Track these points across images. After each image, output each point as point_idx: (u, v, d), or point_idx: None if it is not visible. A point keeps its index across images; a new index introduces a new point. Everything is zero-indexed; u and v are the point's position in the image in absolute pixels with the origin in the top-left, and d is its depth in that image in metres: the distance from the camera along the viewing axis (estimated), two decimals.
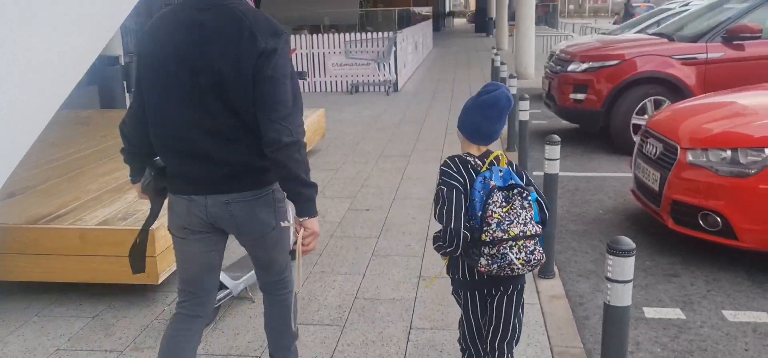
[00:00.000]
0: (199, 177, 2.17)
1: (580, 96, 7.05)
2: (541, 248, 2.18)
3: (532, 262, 2.15)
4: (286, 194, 2.20)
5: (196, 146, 2.13)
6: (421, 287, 3.82)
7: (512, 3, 24.36)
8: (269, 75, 2.04)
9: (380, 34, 12.50)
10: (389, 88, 12.23)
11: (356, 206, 5.36)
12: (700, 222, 3.94)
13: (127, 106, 2.52)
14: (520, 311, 2.39)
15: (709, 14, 7.45)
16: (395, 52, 12.48)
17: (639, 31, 10.24)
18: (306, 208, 2.14)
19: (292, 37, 12.66)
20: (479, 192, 2.15)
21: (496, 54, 11.39)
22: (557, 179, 3.83)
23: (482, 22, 35.33)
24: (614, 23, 25.97)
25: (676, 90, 6.70)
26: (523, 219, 2.12)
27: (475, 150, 2.26)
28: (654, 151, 4.39)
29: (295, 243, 2.18)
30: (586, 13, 58.31)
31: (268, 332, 2.61)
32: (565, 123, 8.50)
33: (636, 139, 4.90)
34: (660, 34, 7.49)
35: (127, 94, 8.44)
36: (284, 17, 13.96)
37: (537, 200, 2.21)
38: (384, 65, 12.36)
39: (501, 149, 2.69)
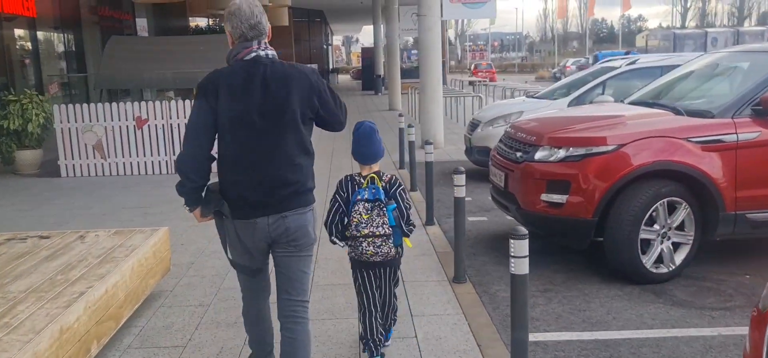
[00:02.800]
0: (268, 202, 2.71)
1: (558, 198, 4.76)
2: (391, 244, 3.20)
3: (380, 254, 3.20)
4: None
5: (274, 175, 2.70)
6: None
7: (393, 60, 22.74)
8: (326, 95, 2.83)
9: None
10: None
11: None
12: None
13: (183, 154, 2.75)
14: (395, 288, 3.48)
15: (721, 74, 5.50)
16: None
17: (586, 96, 8.29)
18: None
19: (145, 104, 9.72)
20: (352, 202, 3.18)
21: (406, 123, 9.06)
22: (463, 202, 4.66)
23: (370, 80, 33.65)
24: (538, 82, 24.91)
25: (698, 188, 4.59)
26: (376, 224, 3.14)
27: (366, 169, 3.26)
28: None
29: None
30: (468, 68, 58.72)
31: None
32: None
33: None
34: (655, 104, 5.41)
35: None
36: (127, 76, 10.97)
37: (393, 211, 3.19)
38: None
39: (381, 171, 3.30)
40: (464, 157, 9.38)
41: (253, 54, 2.72)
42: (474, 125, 8.97)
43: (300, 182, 2.76)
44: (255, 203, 2.71)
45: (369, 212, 3.14)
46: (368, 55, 36.19)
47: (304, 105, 2.72)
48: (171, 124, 9.69)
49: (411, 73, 25.55)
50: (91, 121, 9.62)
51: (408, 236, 3.30)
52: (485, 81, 25.67)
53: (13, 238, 4.49)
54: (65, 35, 19.54)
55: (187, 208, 2.82)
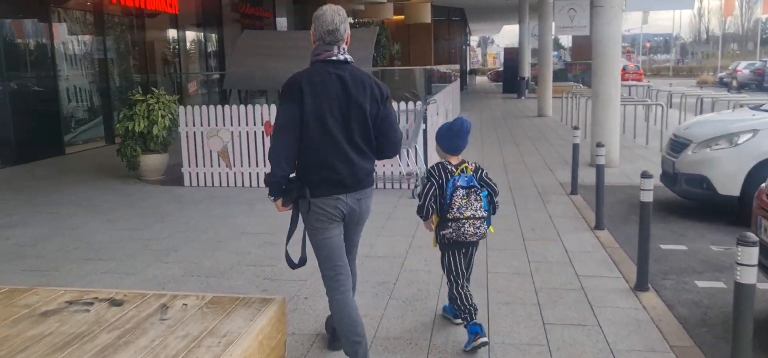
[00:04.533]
0: (348, 182, 3.15)
1: None
2: (485, 226, 3.59)
3: (478, 234, 3.56)
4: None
5: (350, 159, 3.12)
6: None
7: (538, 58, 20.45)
8: (390, 110, 3.25)
9: (403, 104, 8.35)
10: (416, 185, 8.03)
11: None
12: None
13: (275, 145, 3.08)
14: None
15: None
16: (425, 130, 8.33)
17: None
18: None
19: (275, 108, 8.57)
20: (450, 188, 3.53)
21: (560, 131, 7.19)
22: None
23: (511, 82, 31.45)
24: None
25: None
26: (474, 207, 3.51)
27: (455, 159, 3.65)
28: None
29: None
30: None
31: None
32: None
33: None
34: None
35: None
36: (262, 76, 9.85)
37: (487, 196, 3.59)
38: (407, 151, 8.21)
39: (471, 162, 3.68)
40: (661, 183, 7.30)
41: (333, 57, 3.10)
42: (679, 145, 6.89)
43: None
44: (337, 182, 3.14)
45: (467, 196, 3.52)
46: (511, 55, 34.04)
47: (374, 107, 3.16)
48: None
49: (555, 75, 23.11)
50: (216, 126, 8.60)
51: (494, 212, 3.72)
52: (647, 85, 22.68)
53: (76, 300, 3.23)
54: (206, 33, 19.32)
55: (272, 198, 3.16)
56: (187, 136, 8.71)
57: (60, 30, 12.92)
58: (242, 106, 8.52)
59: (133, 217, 6.97)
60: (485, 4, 33.15)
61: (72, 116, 13.27)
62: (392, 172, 8.35)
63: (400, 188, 8.31)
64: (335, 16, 3.09)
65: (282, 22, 23.90)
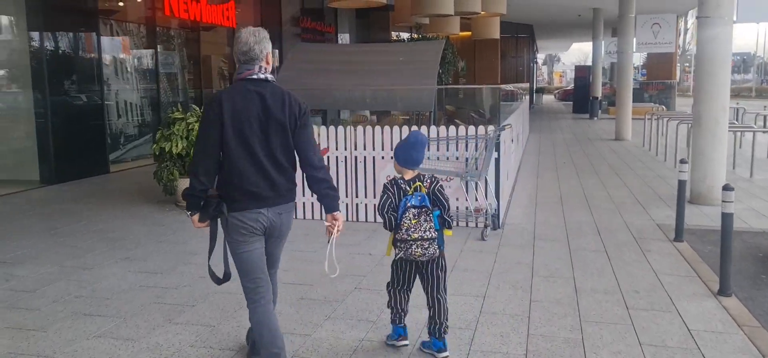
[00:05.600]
0: (268, 196, 3.21)
1: None
2: (436, 246, 3.56)
3: (427, 255, 3.55)
4: (318, 196, 3.36)
5: (270, 174, 3.19)
6: None
7: (619, 72, 18.78)
8: (306, 126, 3.30)
9: (472, 129, 7.17)
10: (486, 224, 6.81)
11: None
12: None
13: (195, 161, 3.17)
14: (444, 286, 3.73)
15: None
16: (497, 159, 7.12)
17: None
18: (337, 205, 3.36)
19: (328, 129, 7.56)
20: (402, 208, 3.55)
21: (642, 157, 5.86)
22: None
23: (583, 102, 29.70)
24: None
25: None
26: (423, 228, 3.52)
27: (409, 174, 3.66)
28: None
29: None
30: (689, 91, 51.11)
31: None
32: None
33: None
34: None
35: None
36: (320, 94, 8.80)
37: (439, 216, 3.60)
38: (476, 183, 7.00)
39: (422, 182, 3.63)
40: None
41: (254, 76, 3.21)
42: None
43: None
44: (257, 196, 3.21)
45: (417, 217, 3.53)
46: (582, 73, 32.31)
47: (293, 122, 3.25)
48: (356, 157, 7.38)
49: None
50: None
51: (450, 227, 3.71)
52: (736, 106, 20.55)
53: None
54: None
55: (188, 213, 3.23)
56: None
57: (109, 43, 12.36)
58: None
59: (155, 256, 6.02)
60: (556, 20, 31.56)
61: (121, 133, 12.68)
62: (457, 208, 7.17)
63: (467, 225, 7.11)
64: (250, 37, 3.20)
65: (345, 38, 23.09)
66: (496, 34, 20.61)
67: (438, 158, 7.13)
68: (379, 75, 8.44)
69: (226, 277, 3.30)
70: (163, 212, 8.02)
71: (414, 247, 3.51)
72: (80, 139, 10.94)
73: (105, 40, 11.99)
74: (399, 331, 3.87)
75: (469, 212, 7.09)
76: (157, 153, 8.21)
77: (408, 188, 3.59)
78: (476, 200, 7.05)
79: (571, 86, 44.17)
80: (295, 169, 3.31)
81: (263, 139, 3.15)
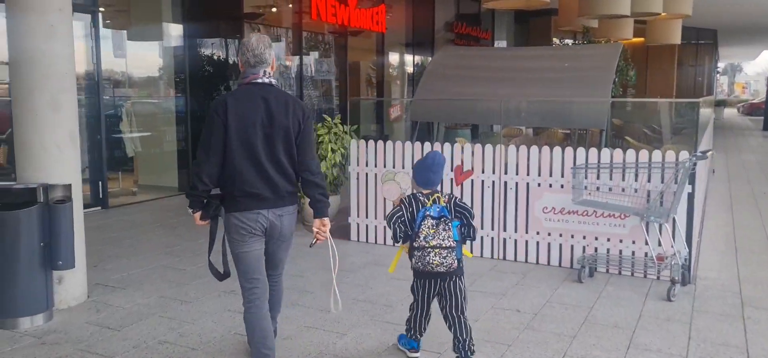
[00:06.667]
0: (269, 198, 3.26)
1: None
2: (454, 256, 3.51)
3: (445, 265, 3.50)
4: (309, 201, 3.40)
5: (271, 177, 3.23)
6: None
7: None
8: (308, 131, 3.35)
9: (657, 154, 5.61)
10: (674, 280, 5.23)
11: None
12: None
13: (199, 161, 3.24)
14: (464, 306, 3.65)
15: None
16: (690, 194, 5.51)
17: None
18: (327, 211, 3.39)
19: (473, 148, 6.39)
20: (420, 217, 3.53)
21: None
22: None
23: None
24: None
25: None
26: (441, 237, 3.48)
27: (426, 192, 3.67)
28: None
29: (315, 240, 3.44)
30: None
31: (273, 306, 3.59)
32: None
33: None
34: None
35: None
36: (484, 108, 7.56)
37: (458, 226, 3.56)
38: (660, 226, 5.45)
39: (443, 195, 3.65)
40: None
41: (259, 80, 3.29)
42: None
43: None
44: (258, 197, 3.27)
45: (435, 226, 3.50)
46: None
47: (296, 126, 3.31)
48: (505, 182, 6.12)
49: None
50: (394, 167, 6.64)
51: (472, 241, 3.74)
52: None
53: None
54: (414, 55, 17.76)
55: (191, 210, 3.31)
56: (358, 178, 6.87)
57: None
58: (426, 144, 6.44)
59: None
60: (746, 23, 27.72)
61: None
62: (633, 253, 5.65)
63: (645, 276, 5.58)
64: (260, 42, 3.30)
65: (502, 45, 21.68)
66: (677, 38, 18.13)
67: (610, 189, 5.67)
68: (538, 83, 7.09)
69: (226, 274, 3.40)
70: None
71: (431, 254, 3.49)
72: None
73: None
74: (413, 344, 3.90)
75: (650, 260, 5.55)
76: None
77: (427, 200, 3.62)
78: (659, 243, 5.50)
79: (758, 99, 39.09)
80: (297, 173, 3.35)
81: (266, 142, 3.22)
